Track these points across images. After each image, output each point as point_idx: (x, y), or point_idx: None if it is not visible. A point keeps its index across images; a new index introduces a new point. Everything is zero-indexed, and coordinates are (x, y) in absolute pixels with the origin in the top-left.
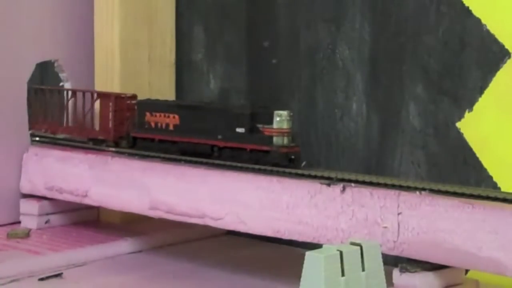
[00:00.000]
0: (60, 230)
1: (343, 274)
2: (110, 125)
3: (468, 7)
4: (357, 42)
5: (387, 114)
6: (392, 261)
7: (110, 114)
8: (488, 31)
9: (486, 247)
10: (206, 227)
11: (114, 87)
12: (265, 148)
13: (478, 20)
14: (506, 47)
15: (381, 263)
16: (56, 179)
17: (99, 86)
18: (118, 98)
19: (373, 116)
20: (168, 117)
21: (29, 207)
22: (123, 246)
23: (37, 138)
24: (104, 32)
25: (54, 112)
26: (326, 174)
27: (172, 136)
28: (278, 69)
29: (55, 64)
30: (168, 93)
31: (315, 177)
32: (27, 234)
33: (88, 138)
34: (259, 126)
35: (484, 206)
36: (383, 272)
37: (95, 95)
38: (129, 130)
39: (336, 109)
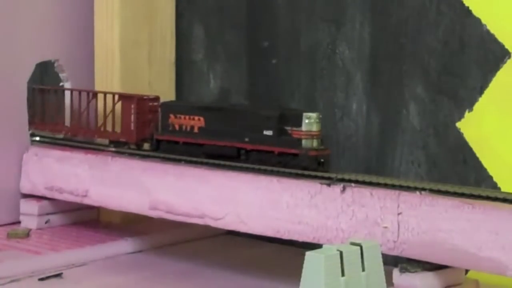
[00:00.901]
0: (60, 230)
1: (343, 274)
2: (132, 127)
3: (468, 7)
4: (357, 42)
5: (387, 114)
6: (392, 261)
7: (132, 116)
8: (488, 31)
9: (486, 247)
10: (206, 227)
11: (114, 87)
12: (293, 151)
13: (478, 20)
14: (506, 47)
15: (381, 263)
16: (56, 179)
17: (99, 86)
18: (140, 100)
19: (373, 116)
20: (193, 119)
21: (29, 207)
22: (123, 246)
23: (37, 138)
24: (104, 32)
25: (73, 115)
26: (326, 174)
27: (197, 138)
28: (278, 69)
29: (55, 64)
30: (168, 93)
31: (315, 177)
32: (27, 234)
33: (110, 141)
34: (288, 128)
35: (484, 206)
36: (383, 272)
37: (116, 97)
38: (153, 133)
39: (336, 109)
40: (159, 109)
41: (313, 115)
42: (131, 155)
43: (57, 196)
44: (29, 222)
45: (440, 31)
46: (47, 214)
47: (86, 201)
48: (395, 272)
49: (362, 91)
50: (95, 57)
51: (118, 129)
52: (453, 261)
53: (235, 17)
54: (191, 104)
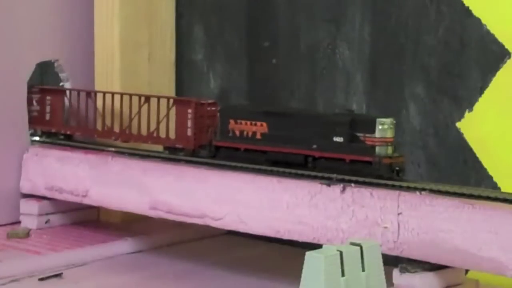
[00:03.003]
0: (60, 230)
1: (343, 274)
2: (189, 133)
3: (468, 7)
4: (357, 42)
5: (387, 114)
6: (392, 261)
7: (189, 121)
8: (488, 31)
9: (486, 247)
10: (206, 227)
11: (114, 87)
12: (366, 158)
13: (478, 20)
14: (506, 47)
15: (381, 263)
16: (56, 179)
17: (99, 86)
18: (198, 104)
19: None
20: (255, 124)
21: (29, 207)
22: (123, 246)
23: (37, 138)
24: (104, 32)
25: (124, 119)
26: (326, 174)
27: (260, 145)
28: (278, 69)
29: (55, 64)
30: (168, 93)
31: (315, 177)
32: (27, 234)
33: (164, 147)
34: (360, 135)
35: (484, 206)
36: (383, 272)
37: (171, 101)
38: (211, 139)
39: (336, 109)
40: (218, 114)
41: (387, 120)
42: (131, 155)
43: (57, 196)
44: (29, 222)
45: (440, 31)
46: (47, 214)
47: (86, 201)
48: (395, 272)
49: (362, 91)
50: (95, 57)
51: (171, 134)
52: (453, 261)
53: (235, 17)
54: (253, 108)
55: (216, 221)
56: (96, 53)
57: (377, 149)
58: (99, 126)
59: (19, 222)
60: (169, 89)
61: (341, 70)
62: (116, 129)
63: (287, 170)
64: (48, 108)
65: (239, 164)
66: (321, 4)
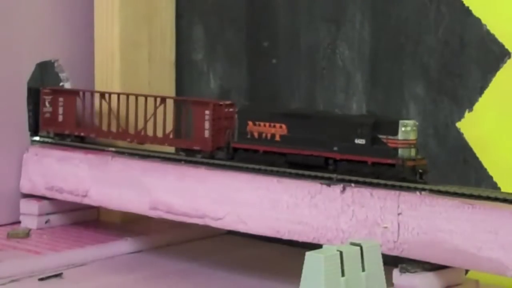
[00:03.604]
0: (60, 230)
1: (343, 274)
2: (207, 135)
3: (468, 7)
4: (357, 42)
5: (387, 114)
6: (392, 261)
7: (207, 123)
8: (488, 31)
9: (486, 247)
10: (206, 227)
11: (114, 87)
12: (389, 161)
13: (478, 20)
14: (506, 47)
15: (381, 263)
16: (56, 179)
17: (99, 86)
18: (216, 105)
19: None
20: (274, 126)
21: (29, 207)
22: (123, 246)
23: (37, 138)
24: (104, 32)
25: (139, 121)
26: (326, 174)
27: (279, 147)
28: (278, 69)
29: (55, 64)
30: (168, 93)
31: (315, 177)
32: (27, 234)
33: (181, 149)
34: (382, 137)
35: (484, 206)
36: (383, 272)
37: (189, 102)
38: (229, 141)
39: (336, 109)
40: (236, 116)
41: (410, 122)
42: (131, 155)
43: (57, 196)
44: (29, 222)
45: (440, 31)
46: (47, 214)
47: (86, 201)
48: (395, 272)
49: (362, 91)
50: (95, 57)
51: (188, 136)
52: (453, 261)
53: (235, 17)
54: (272, 110)
55: (216, 221)
56: (96, 53)
57: (400, 151)
58: (113, 128)
59: (19, 222)
60: (169, 89)
61: (341, 70)
62: (131, 131)
63: (287, 170)
64: (60, 110)
65: (239, 164)
66: (321, 4)
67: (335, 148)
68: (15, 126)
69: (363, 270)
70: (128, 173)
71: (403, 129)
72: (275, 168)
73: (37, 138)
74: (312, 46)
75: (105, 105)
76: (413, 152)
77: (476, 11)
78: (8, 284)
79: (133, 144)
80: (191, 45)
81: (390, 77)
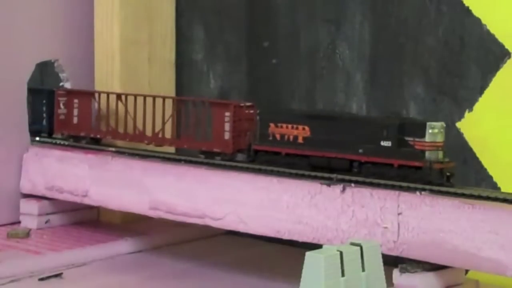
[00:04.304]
0: (60, 230)
1: (343, 274)
2: (227, 137)
3: (468, 7)
4: (357, 42)
5: (387, 114)
6: (392, 261)
7: (228, 125)
8: (488, 31)
9: (486, 247)
10: (206, 227)
11: (114, 87)
12: (416, 163)
13: (478, 20)
14: (506, 47)
15: (381, 263)
16: (56, 179)
17: (99, 86)
18: (236, 107)
19: None
20: (297, 128)
21: (29, 207)
22: (123, 246)
23: (37, 138)
24: (104, 32)
25: (157, 123)
26: (326, 174)
27: (302, 149)
28: (278, 69)
29: (55, 64)
30: (168, 93)
31: (315, 177)
32: (27, 234)
33: (201, 151)
34: (409, 139)
35: (484, 206)
36: (383, 272)
37: (207, 103)
38: (250, 143)
39: (336, 109)
40: (257, 117)
41: (438, 124)
42: (131, 155)
43: (57, 196)
44: (29, 222)
45: (440, 31)
46: (47, 214)
47: (86, 201)
48: (395, 272)
49: (362, 91)
50: (95, 57)
51: (208, 138)
52: (453, 261)
53: (235, 17)
54: (295, 111)
55: (216, 221)
56: (96, 53)
57: (427, 154)
58: (130, 130)
59: (19, 222)
60: (169, 89)
61: (341, 70)
62: (148, 133)
63: (287, 170)
64: (75, 111)
65: (239, 164)
66: (321, 4)
67: (360, 151)
68: (15, 126)
69: (363, 270)
70: (128, 173)
71: (430, 131)
72: (275, 168)
73: (37, 138)
74: (312, 46)
75: (121, 106)
76: (440, 154)
77: (476, 11)
78: (8, 284)
79: (134, 144)
80: (191, 45)
81: (390, 77)
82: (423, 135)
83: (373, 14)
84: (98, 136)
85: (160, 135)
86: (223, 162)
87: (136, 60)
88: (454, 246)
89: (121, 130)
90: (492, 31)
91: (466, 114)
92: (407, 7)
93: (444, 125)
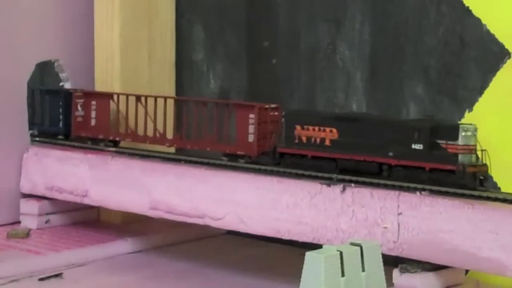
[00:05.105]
0: (60, 230)
1: (343, 275)
2: (252, 139)
3: (468, 7)
4: (357, 42)
5: (387, 114)
6: (392, 261)
7: (252, 127)
8: (488, 31)
9: (486, 247)
10: (206, 227)
11: (114, 87)
12: (449, 167)
13: (478, 20)
14: (506, 47)
15: (381, 263)
16: (56, 179)
17: (99, 86)
18: (261, 109)
19: None
20: (324, 130)
21: (29, 207)
22: (123, 246)
23: (37, 138)
24: (104, 32)
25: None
26: (326, 174)
27: (330, 152)
28: (278, 69)
29: (55, 64)
30: (168, 93)
31: (315, 177)
32: (27, 234)
33: (224, 154)
34: (441, 142)
35: (484, 206)
36: (383, 272)
37: (231, 105)
38: (275, 145)
39: (336, 109)
40: (283, 119)
41: (471, 127)
42: (131, 155)
43: (57, 196)
44: (29, 222)
45: (440, 31)
46: (47, 214)
47: (86, 201)
48: (395, 272)
49: (362, 91)
50: (95, 57)
51: (231, 140)
52: (453, 261)
53: (235, 17)
54: (322, 114)
55: (216, 221)
56: (96, 53)
57: (460, 157)
58: (149, 132)
59: (19, 222)
60: (169, 89)
61: (341, 70)
62: (170, 135)
63: (287, 170)
64: (93, 113)
65: (239, 164)
66: (321, 4)
67: (390, 154)
68: (15, 126)
69: (363, 270)
70: (128, 173)
71: (463, 133)
72: (275, 168)
73: (37, 138)
74: (312, 46)
75: (141, 108)
76: (473, 158)
77: (476, 11)
78: (8, 284)
79: (134, 144)
80: (191, 45)
81: (390, 77)
82: (456, 138)
83: (373, 14)
84: (117, 138)
85: (182, 138)
86: (223, 162)
87: (136, 60)
88: (454, 246)
89: (140, 132)
90: (492, 31)
91: (466, 114)
92: (407, 7)
93: (477, 128)
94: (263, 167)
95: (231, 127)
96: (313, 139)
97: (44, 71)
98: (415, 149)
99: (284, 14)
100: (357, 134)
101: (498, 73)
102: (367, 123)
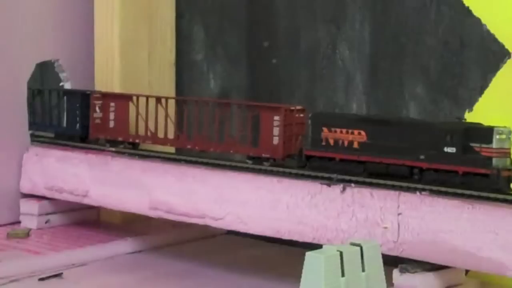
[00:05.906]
0: (60, 230)
1: (343, 275)
2: (277, 141)
3: (468, 7)
4: (357, 42)
5: (387, 114)
6: (392, 261)
7: (277, 129)
8: (488, 31)
9: (486, 247)
10: (206, 227)
11: (114, 87)
12: (483, 171)
13: (478, 20)
14: (506, 47)
15: (381, 263)
16: (56, 179)
17: (99, 86)
18: (287, 111)
19: None
20: (352, 133)
21: (29, 207)
22: (123, 246)
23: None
24: (104, 32)
25: (202, 127)
26: (326, 174)
27: (358, 155)
28: (278, 69)
29: (55, 64)
30: (168, 93)
31: (315, 177)
32: (27, 234)
33: (248, 157)
34: (474, 145)
35: (484, 206)
36: (383, 272)
37: (257, 107)
38: (301, 148)
39: (336, 109)
40: (309, 121)
41: (505, 130)
42: (131, 155)
43: (57, 196)
44: (29, 222)
45: (440, 31)
46: (47, 214)
47: (86, 201)
48: (395, 272)
49: (362, 91)
50: (95, 57)
51: (254, 143)
52: (453, 261)
53: (235, 17)
54: (350, 116)
55: (216, 221)
56: (96, 53)
57: (495, 161)
58: (170, 135)
59: (19, 222)
60: (169, 89)
61: (341, 70)
62: (192, 137)
63: (287, 170)
64: (112, 115)
65: (239, 164)
66: (321, 4)
67: (422, 157)
68: (15, 126)
69: (363, 270)
70: (128, 173)
71: (497, 137)
72: (275, 168)
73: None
74: (312, 46)
75: (161, 110)
76: (508, 161)
77: (476, 11)
78: (8, 284)
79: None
80: (191, 45)
81: (390, 77)
82: (490, 141)
83: (373, 14)
84: (137, 141)
85: (205, 140)
86: (222, 162)
87: (136, 60)
88: (454, 246)
89: (161, 134)
90: (492, 31)
91: (466, 114)
92: (407, 7)
93: (511, 131)
94: (262, 167)
95: (254, 129)
96: (341, 142)
97: (44, 71)
98: (447, 152)
99: (284, 14)
100: (387, 137)
101: (498, 73)
102: (397, 126)
